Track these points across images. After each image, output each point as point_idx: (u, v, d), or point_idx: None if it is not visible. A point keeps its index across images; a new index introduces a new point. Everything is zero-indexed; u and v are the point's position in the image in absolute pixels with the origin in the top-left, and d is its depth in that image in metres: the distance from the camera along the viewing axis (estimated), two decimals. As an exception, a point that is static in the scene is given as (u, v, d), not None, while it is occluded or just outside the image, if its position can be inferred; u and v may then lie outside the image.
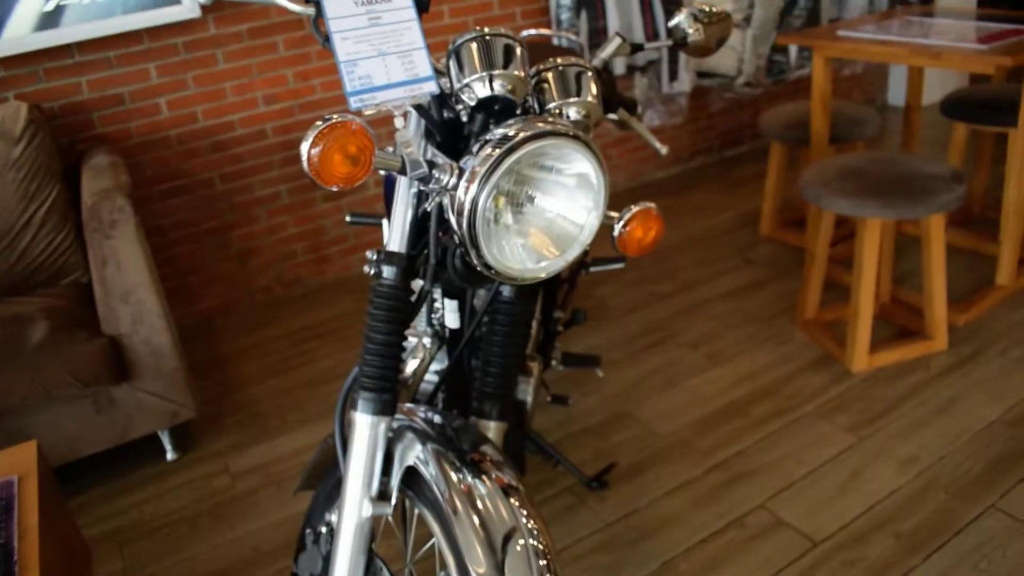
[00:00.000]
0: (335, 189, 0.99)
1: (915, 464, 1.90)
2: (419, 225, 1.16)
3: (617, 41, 1.35)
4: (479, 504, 1.07)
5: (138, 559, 1.91)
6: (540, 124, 0.98)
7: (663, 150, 1.47)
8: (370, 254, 1.18)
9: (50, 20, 2.31)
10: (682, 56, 3.32)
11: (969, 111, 2.66)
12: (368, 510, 1.13)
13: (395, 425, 1.18)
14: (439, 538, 1.12)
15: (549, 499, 1.94)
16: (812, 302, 2.47)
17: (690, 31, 1.38)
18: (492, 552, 1.04)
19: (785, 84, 4.00)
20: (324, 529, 1.23)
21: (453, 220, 1.01)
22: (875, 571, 1.63)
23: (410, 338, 1.63)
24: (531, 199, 1.06)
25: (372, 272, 1.17)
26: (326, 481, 1.32)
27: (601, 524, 1.84)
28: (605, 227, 1.18)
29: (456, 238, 1.02)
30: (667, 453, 2.04)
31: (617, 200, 3.72)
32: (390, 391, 1.14)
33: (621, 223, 1.24)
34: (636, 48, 1.39)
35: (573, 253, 1.08)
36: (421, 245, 1.16)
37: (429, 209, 1.11)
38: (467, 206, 0.97)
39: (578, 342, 2.58)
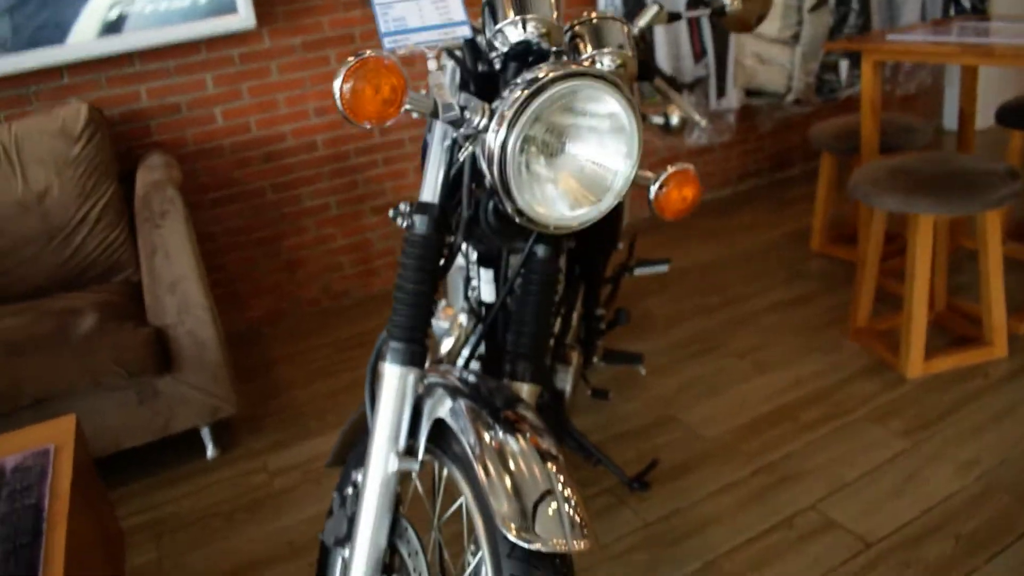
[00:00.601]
0: (367, 127, 0.99)
1: (975, 467, 1.81)
2: (452, 182, 1.15)
3: (655, 8, 1.34)
4: (511, 463, 1.02)
5: (173, 549, 1.91)
6: (571, 66, 0.97)
7: (703, 122, 1.45)
8: (402, 206, 1.17)
9: (113, 27, 2.41)
10: (730, 72, 3.31)
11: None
12: (394, 464, 1.11)
13: (426, 382, 1.16)
14: (467, 497, 1.09)
15: (588, 499, 1.88)
16: (863, 310, 2.39)
17: (727, 1, 1.37)
18: (523, 513, 0.98)
19: (836, 103, 3.95)
20: (350, 490, 1.21)
21: (484, 166, 1.00)
22: (933, 572, 1.54)
23: (440, 319, 1.61)
24: (563, 147, 1.04)
25: (404, 224, 1.16)
26: (356, 449, 1.30)
27: (641, 523, 1.78)
28: (641, 190, 1.16)
29: (488, 184, 1.01)
30: (711, 455, 1.98)
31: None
32: (420, 342, 1.13)
33: (657, 184, 1.21)
34: (673, 17, 1.38)
35: (607, 202, 1.06)
36: (455, 201, 1.16)
37: (462, 158, 1.10)
38: (497, 150, 0.96)
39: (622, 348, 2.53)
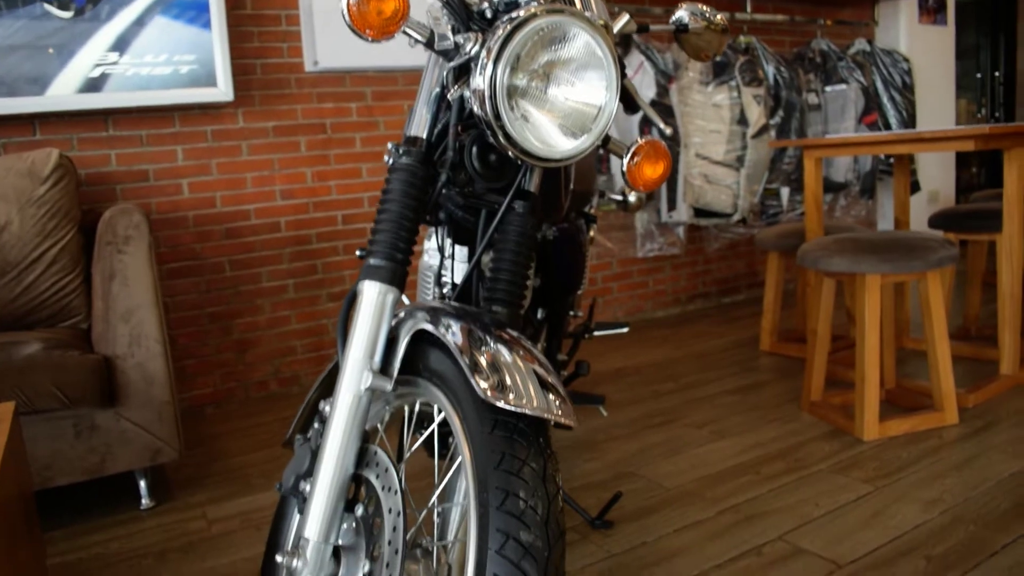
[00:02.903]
0: (369, 40, 1.05)
1: (939, 504, 1.79)
2: (441, 130, 1.20)
3: (625, 17, 1.47)
4: (505, 375, 0.96)
5: (97, 585, 1.74)
6: (553, 5, 1.06)
7: (668, 130, 1.54)
8: (391, 146, 1.21)
9: (93, 85, 2.49)
10: (680, 187, 3.51)
11: (955, 221, 2.78)
12: (368, 379, 1.08)
13: (405, 308, 1.14)
14: (448, 411, 1.04)
15: (549, 536, 1.80)
16: (817, 384, 2.43)
17: (688, 21, 1.49)
18: (503, 383, 0.94)
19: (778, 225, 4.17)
20: (317, 424, 1.15)
21: (475, 104, 1.06)
22: (907, 587, 1.50)
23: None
24: (547, 91, 1.11)
25: (391, 162, 1.19)
26: (324, 385, 1.25)
27: (605, 555, 1.70)
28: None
29: (478, 116, 1.06)
30: (675, 500, 1.93)
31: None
32: (401, 263, 1.13)
33: (628, 155, 1.27)
34: (643, 28, 1.51)
35: (594, 135, 1.11)
36: (442, 147, 1.20)
37: (451, 98, 1.16)
38: (487, 85, 1.02)
39: (580, 423, 2.50)
